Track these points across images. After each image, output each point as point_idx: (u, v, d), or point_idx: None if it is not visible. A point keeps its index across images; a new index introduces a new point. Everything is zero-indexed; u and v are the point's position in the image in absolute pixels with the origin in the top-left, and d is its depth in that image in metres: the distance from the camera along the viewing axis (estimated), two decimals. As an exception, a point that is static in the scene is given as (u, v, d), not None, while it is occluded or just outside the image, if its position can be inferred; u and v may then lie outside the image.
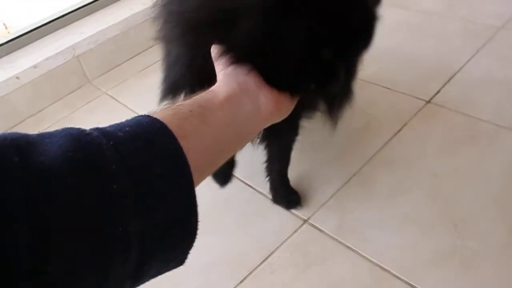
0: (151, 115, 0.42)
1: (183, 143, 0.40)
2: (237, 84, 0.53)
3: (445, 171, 1.02)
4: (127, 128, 0.39)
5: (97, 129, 0.39)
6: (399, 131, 1.14)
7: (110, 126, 0.40)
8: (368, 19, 0.63)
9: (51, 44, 1.68)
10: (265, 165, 1.04)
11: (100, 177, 0.35)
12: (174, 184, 0.39)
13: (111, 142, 0.37)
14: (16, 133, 0.35)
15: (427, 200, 0.98)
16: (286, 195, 1.05)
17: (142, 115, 0.42)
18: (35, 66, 1.58)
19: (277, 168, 1.03)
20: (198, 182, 0.44)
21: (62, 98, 1.66)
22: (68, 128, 0.38)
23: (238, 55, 0.56)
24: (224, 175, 1.03)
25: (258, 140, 0.91)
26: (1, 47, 1.67)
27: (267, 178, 1.05)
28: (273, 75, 0.56)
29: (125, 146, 0.37)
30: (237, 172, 1.12)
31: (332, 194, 1.03)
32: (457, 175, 1.01)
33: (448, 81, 1.27)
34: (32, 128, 1.54)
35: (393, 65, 1.39)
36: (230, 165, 1.02)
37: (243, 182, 1.11)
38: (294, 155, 1.12)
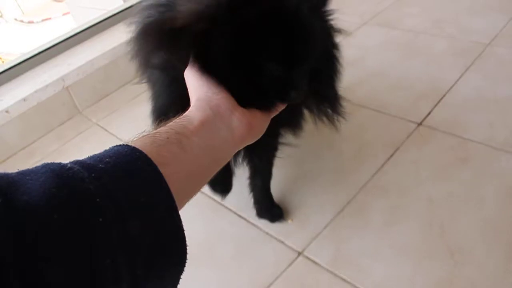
0: (130, 144, 0.42)
1: (163, 170, 0.41)
2: (210, 109, 0.54)
3: (440, 196, 1.01)
4: (107, 159, 0.39)
5: (77, 162, 0.39)
6: (391, 155, 1.13)
7: (90, 158, 0.40)
8: (302, 28, 0.64)
9: (39, 76, 1.67)
10: (248, 181, 1.06)
11: (85, 212, 0.35)
12: (158, 211, 0.40)
13: (93, 175, 0.37)
14: None
15: (423, 227, 0.97)
16: (269, 208, 1.07)
17: (120, 145, 0.42)
18: (24, 99, 1.57)
19: (259, 183, 1.06)
20: (181, 207, 0.45)
21: (53, 130, 1.65)
22: (48, 164, 0.38)
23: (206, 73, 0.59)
24: (223, 184, 1.03)
25: (240, 159, 0.93)
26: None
27: (251, 194, 1.07)
28: (237, 94, 0.58)
29: (107, 178, 0.37)
30: (230, 203, 1.11)
31: (326, 224, 1.02)
32: (452, 200, 1.00)
33: (439, 102, 1.27)
34: (23, 161, 1.53)
35: (382, 87, 1.39)
36: (228, 173, 1.02)
37: (236, 214, 1.10)
38: (287, 184, 1.12)
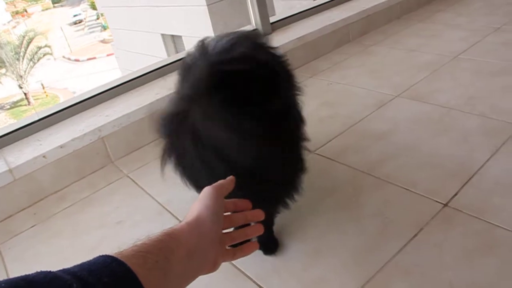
0: (124, 263, 0.51)
1: None
2: (197, 239, 0.63)
3: (462, 284, 0.99)
4: (105, 279, 0.48)
5: (77, 279, 0.47)
6: (415, 236, 1.12)
7: (89, 274, 0.48)
8: None
9: (78, 124, 1.75)
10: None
11: None
12: None
13: None
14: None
15: (443, 316, 0.94)
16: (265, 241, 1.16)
17: (114, 260, 0.52)
18: (61, 146, 1.64)
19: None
20: None
21: (85, 177, 1.71)
22: (53, 277, 0.46)
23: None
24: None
25: None
26: (32, 125, 1.77)
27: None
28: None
29: None
30: (249, 270, 1.11)
31: (344, 303, 1.00)
32: (475, 290, 0.98)
33: (467, 182, 1.26)
34: (54, 205, 1.58)
35: (411, 162, 1.39)
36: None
37: (255, 282, 1.10)
38: (308, 257, 1.11)
